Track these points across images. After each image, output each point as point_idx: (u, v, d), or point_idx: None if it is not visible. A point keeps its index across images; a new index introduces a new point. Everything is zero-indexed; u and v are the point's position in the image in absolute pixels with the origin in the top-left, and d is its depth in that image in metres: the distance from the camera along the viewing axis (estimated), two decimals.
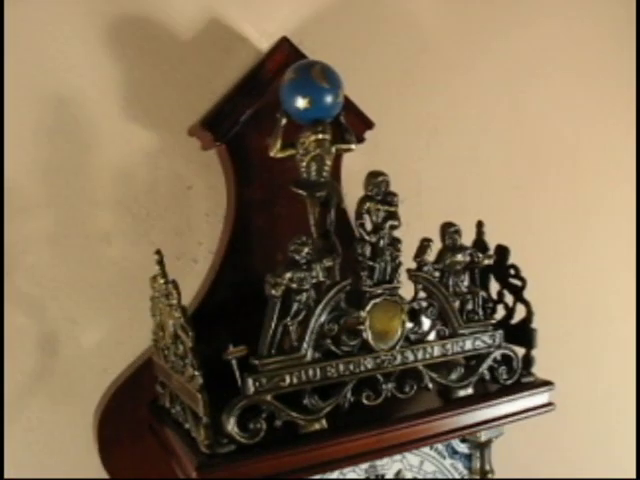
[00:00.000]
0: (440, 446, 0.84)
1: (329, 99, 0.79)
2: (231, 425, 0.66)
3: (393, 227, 0.74)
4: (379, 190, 0.73)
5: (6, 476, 0.85)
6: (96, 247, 0.89)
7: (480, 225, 0.85)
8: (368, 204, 0.73)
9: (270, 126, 0.87)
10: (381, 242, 0.73)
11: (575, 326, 1.26)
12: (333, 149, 0.83)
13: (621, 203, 1.34)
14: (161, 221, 0.92)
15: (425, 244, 0.76)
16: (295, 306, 0.69)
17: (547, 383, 0.83)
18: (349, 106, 0.91)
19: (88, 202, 0.89)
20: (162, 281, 0.72)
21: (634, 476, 1.36)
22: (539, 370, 0.83)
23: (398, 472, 0.81)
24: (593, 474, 1.28)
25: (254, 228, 0.92)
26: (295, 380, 0.69)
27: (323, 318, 0.70)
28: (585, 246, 1.28)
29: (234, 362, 0.67)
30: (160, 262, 0.73)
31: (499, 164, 1.19)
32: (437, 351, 0.76)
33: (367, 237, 0.73)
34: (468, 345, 0.78)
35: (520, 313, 0.85)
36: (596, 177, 1.28)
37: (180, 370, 0.71)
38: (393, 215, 0.73)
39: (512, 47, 1.16)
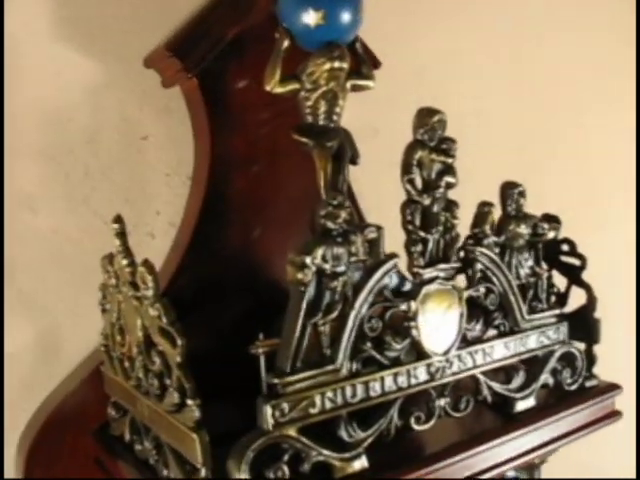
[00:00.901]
0: None
1: (348, 14, 0.58)
2: (243, 475, 0.44)
3: (450, 185, 0.54)
4: (434, 134, 0.53)
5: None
6: (14, 215, 0.64)
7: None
8: (420, 152, 0.52)
9: (256, 57, 0.66)
10: (435, 206, 0.53)
11: None
12: (348, 85, 0.62)
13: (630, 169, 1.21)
14: (105, 182, 0.68)
15: (486, 210, 0.57)
16: (327, 297, 0.48)
17: (614, 387, 0.66)
18: None
19: (5, 153, 0.63)
20: (125, 262, 0.49)
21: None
22: None
23: None
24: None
25: (232, 192, 0.70)
26: (328, 404, 0.48)
27: (364, 312, 0.49)
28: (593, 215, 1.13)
29: (262, 360, 0.45)
30: (121, 234, 0.50)
31: (503, 122, 1.01)
32: (499, 352, 0.58)
33: (419, 198, 0.52)
34: (532, 343, 0.60)
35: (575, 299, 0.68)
36: (604, 143, 1.14)
37: (155, 393, 0.48)
38: (450, 169, 0.54)
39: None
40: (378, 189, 0.78)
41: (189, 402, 0.43)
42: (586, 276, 0.67)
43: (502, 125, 1.00)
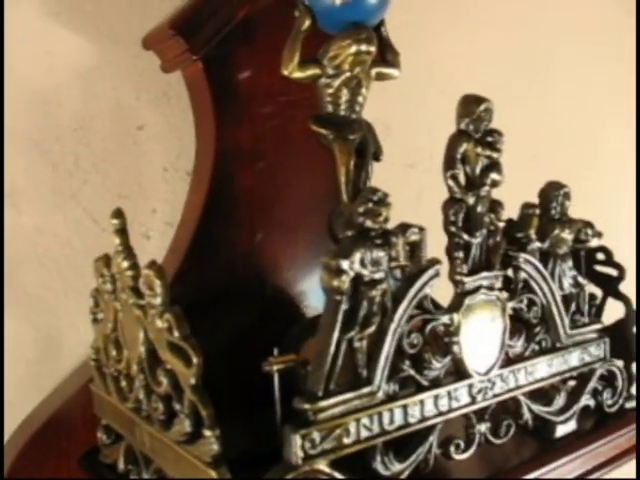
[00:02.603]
0: None
1: None
2: None
3: (495, 183, 0.48)
4: (479, 125, 0.47)
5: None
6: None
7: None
8: (465, 145, 0.46)
9: (266, 42, 0.60)
10: (479, 206, 0.47)
11: None
12: (373, 72, 0.56)
13: None
14: (97, 175, 0.60)
15: (530, 212, 0.51)
16: (365, 308, 0.41)
17: None
18: None
19: None
20: (126, 264, 0.42)
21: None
22: None
23: None
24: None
25: (237, 191, 0.63)
26: (364, 432, 0.41)
27: (403, 325, 0.43)
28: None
29: (276, 378, 0.38)
30: (121, 231, 0.43)
31: (515, 131, 0.96)
32: (541, 371, 0.52)
33: (463, 196, 0.46)
34: (574, 360, 0.55)
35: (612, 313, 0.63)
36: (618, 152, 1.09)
37: (159, 419, 0.41)
38: (496, 165, 0.48)
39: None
40: (391, 192, 0.72)
41: (207, 433, 0.36)
42: None
43: (515, 126, 0.95)
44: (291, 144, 0.64)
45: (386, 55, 0.57)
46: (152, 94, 0.63)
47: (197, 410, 0.37)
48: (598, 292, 0.63)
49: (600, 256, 0.63)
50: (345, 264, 0.40)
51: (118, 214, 0.42)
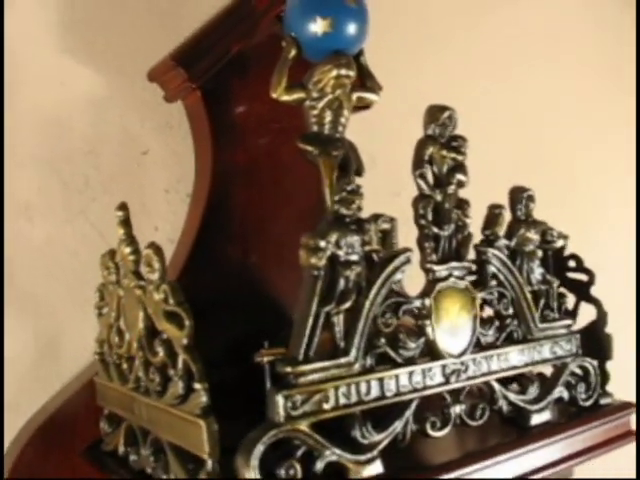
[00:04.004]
0: None
1: (355, 23, 0.59)
2: (252, 473, 0.40)
3: (461, 183, 0.53)
4: (444, 130, 0.53)
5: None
6: (11, 223, 0.61)
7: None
8: (430, 149, 0.52)
9: (258, 75, 0.67)
10: (447, 203, 0.52)
11: None
12: (354, 97, 0.62)
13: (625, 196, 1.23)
14: (104, 194, 0.66)
15: (497, 212, 0.56)
16: (341, 285, 0.46)
17: (629, 405, 0.64)
18: None
19: (4, 159, 0.61)
20: (129, 250, 0.47)
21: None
22: None
23: None
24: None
25: (232, 208, 0.69)
26: (342, 400, 0.45)
27: (378, 304, 0.47)
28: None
29: (267, 369, 0.42)
30: (125, 222, 0.48)
31: (498, 155, 1.02)
32: (514, 359, 0.55)
33: (431, 192, 0.51)
34: (546, 352, 0.58)
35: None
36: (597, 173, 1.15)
37: (156, 390, 0.45)
38: (461, 166, 0.53)
39: (514, 28, 1.03)
40: None
41: (197, 386, 0.40)
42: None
43: (498, 157, 1.01)
44: (282, 166, 0.70)
45: (365, 82, 0.64)
46: (156, 122, 0.70)
47: (189, 371, 0.41)
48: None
49: (572, 263, 0.67)
50: (322, 243, 0.45)
51: (123, 207, 0.48)
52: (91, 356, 0.59)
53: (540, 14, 1.11)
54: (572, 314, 0.66)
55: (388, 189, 0.88)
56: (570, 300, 0.67)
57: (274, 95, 0.59)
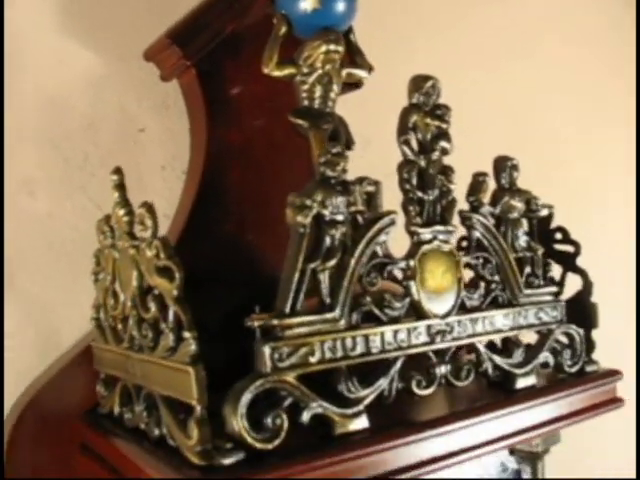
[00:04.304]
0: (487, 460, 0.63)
1: (344, 1, 0.61)
2: (239, 420, 0.42)
3: (445, 151, 0.55)
4: (428, 99, 0.54)
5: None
6: (13, 197, 0.63)
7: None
8: (415, 117, 0.54)
9: (252, 55, 0.68)
10: (431, 168, 0.54)
11: None
12: (343, 73, 0.64)
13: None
14: (103, 169, 0.68)
15: (481, 179, 0.58)
16: (327, 243, 0.47)
17: (614, 372, 0.65)
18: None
19: (6, 136, 0.63)
20: (123, 211, 0.49)
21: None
22: None
23: None
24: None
25: (227, 184, 0.70)
26: (328, 354, 0.47)
27: (363, 263, 0.49)
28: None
29: (258, 333, 0.44)
30: (120, 186, 0.50)
31: (494, 133, 1.04)
32: (499, 322, 0.57)
33: (415, 158, 0.53)
34: (531, 317, 0.60)
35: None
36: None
37: (149, 346, 0.47)
38: (445, 134, 0.55)
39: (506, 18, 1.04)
40: None
41: (186, 335, 0.42)
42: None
43: (493, 135, 1.03)
44: (275, 144, 0.72)
45: (355, 58, 0.66)
46: (152, 102, 0.72)
47: (179, 323, 0.43)
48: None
49: (558, 235, 0.69)
50: (307, 201, 0.46)
51: (117, 171, 0.50)
52: (89, 325, 0.61)
53: (539, 10, 1.13)
54: (559, 285, 0.68)
55: (382, 170, 0.90)
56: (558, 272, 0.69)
57: (266, 70, 0.61)
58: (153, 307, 0.46)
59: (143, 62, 0.69)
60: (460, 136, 0.59)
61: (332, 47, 0.60)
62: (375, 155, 0.83)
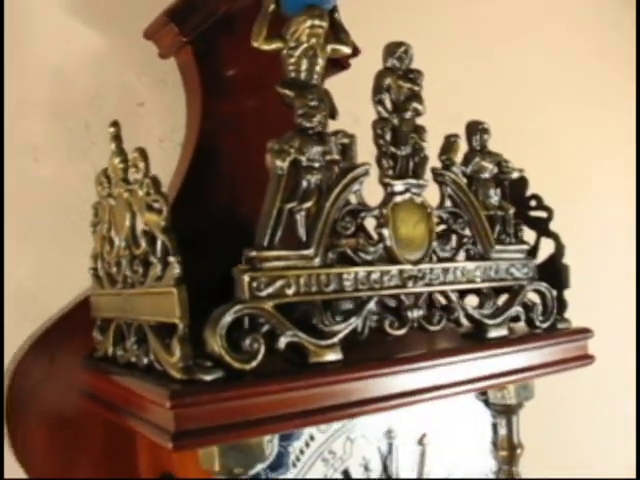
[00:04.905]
0: (462, 411, 0.66)
1: None
2: (219, 341, 0.46)
3: (417, 112, 0.59)
4: (401, 63, 0.59)
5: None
6: (18, 161, 0.68)
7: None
8: (388, 79, 0.58)
9: (246, 35, 0.72)
10: (404, 127, 0.58)
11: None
12: (328, 48, 0.68)
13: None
14: (103, 139, 0.72)
15: (452, 140, 0.62)
16: (304, 184, 0.52)
17: (585, 330, 0.69)
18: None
19: (13, 105, 0.68)
20: (118, 160, 0.53)
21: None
22: None
23: (422, 436, 0.62)
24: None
25: (220, 153, 0.75)
26: (303, 288, 0.50)
27: (337, 210, 0.53)
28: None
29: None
30: (116, 137, 0.54)
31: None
32: (470, 274, 0.61)
33: (388, 116, 0.57)
34: (502, 272, 0.63)
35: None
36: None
37: (140, 281, 0.51)
38: (417, 96, 0.59)
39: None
40: None
41: (171, 259, 0.46)
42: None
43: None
44: (266, 116, 0.76)
45: (339, 35, 0.70)
46: (151, 78, 0.76)
47: (166, 252, 0.47)
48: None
49: (533, 203, 0.73)
50: (286, 146, 0.51)
51: (114, 124, 0.54)
52: (89, 284, 0.66)
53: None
54: (533, 249, 0.72)
55: (372, 149, 0.94)
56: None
57: (255, 44, 0.66)
58: (143, 243, 0.50)
59: (143, 41, 0.74)
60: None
61: (317, 22, 0.65)
62: (364, 134, 0.87)
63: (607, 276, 1.25)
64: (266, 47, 0.66)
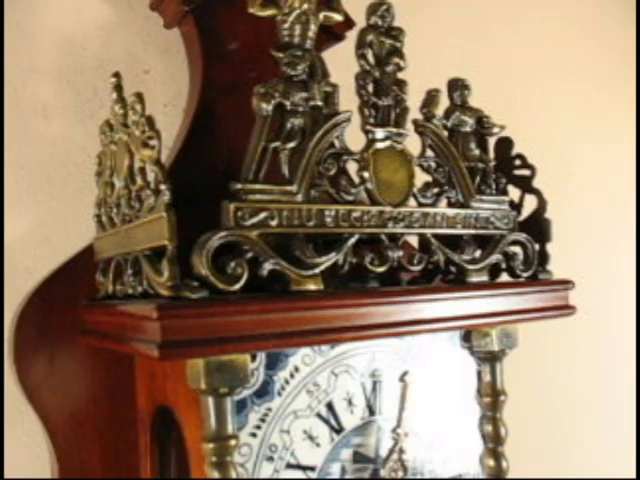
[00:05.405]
0: (445, 356, 0.69)
1: None
2: (205, 263, 0.50)
3: (398, 66, 0.63)
4: (383, 21, 0.63)
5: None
6: (29, 121, 0.73)
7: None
8: (371, 35, 0.62)
9: (243, 7, 0.77)
10: (385, 79, 0.62)
11: None
12: (320, 15, 0.72)
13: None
14: (110, 102, 0.77)
15: (433, 94, 0.66)
16: (288, 126, 0.56)
17: (566, 281, 0.71)
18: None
19: (26, 68, 0.73)
20: (118, 106, 0.58)
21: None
22: None
23: (404, 374, 0.65)
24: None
25: (220, 113, 0.79)
26: (286, 220, 0.54)
27: (319, 152, 0.57)
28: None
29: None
30: (118, 87, 0.59)
31: None
32: (451, 220, 0.64)
33: (370, 69, 0.61)
34: (483, 221, 0.66)
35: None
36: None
37: (136, 215, 0.55)
38: (399, 52, 0.63)
39: None
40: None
41: (162, 187, 0.50)
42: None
43: None
44: (262, 80, 0.81)
45: (331, 3, 0.74)
46: (157, 47, 0.81)
47: (157, 176, 0.51)
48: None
49: (517, 162, 0.76)
50: (271, 90, 0.55)
51: (116, 75, 0.59)
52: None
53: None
54: (518, 206, 0.75)
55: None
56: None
57: (251, 10, 0.69)
58: (139, 179, 0.54)
59: (149, 12, 0.80)
60: None
61: None
62: None
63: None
64: (261, 13, 0.70)
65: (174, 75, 0.82)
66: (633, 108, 1.36)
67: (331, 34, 0.85)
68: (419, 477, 0.66)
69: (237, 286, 0.51)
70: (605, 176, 1.30)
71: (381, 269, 0.59)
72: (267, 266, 0.53)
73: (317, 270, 0.55)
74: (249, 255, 0.52)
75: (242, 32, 0.80)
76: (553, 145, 1.16)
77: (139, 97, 0.54)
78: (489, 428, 0.71)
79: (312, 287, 0.55)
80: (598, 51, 1.32)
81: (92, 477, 0.71)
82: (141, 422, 0.69)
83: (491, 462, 0.71)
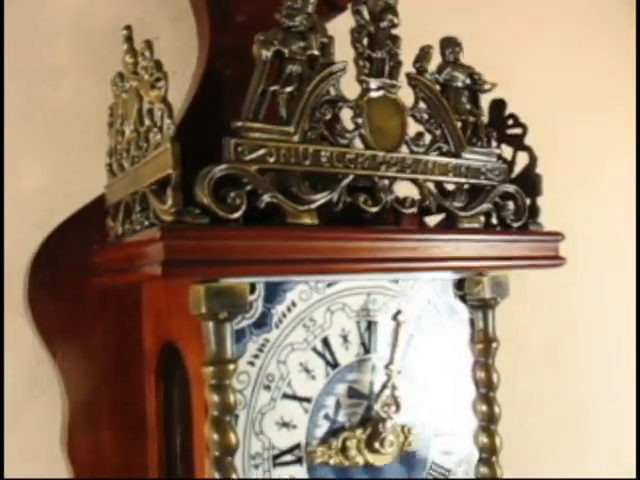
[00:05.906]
0: (439, 302, 0.72)
1: None
2: (206, 192, 0.54)
3: (392, 23, 0.66)
4: None
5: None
6: (45, 82, 0.78)
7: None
8: None
9: None
10: (379, 34, 0.65)
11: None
12: None
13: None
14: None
15: (425, 50, 0.69)
16: (286, 72, 0.59)
17: (557, 233, 0.74)
18: None
19: (43, 33, 0.78)
20: (129, 56, 0.62)
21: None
22: None
23: (397, 313, 0.68)
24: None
25: (226, 77, 0.82)
26: (283, 158, 0.58)
27: (316, 98, 0.60)
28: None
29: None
30: (128, 38, 0.63)
31: None
32: (442, 168, 0.67)
33: (365, 23, 0.65)
34: (474, 171, 0.70)
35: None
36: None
37: (144, 155, 0.59)
38: (393, 9, 0.66)
39: None
40: None
41: (167, 122, 0.54)
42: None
43: None
44: None
45: None
46: (168, 15, 0.86)
47: (163, 114, 0.55)
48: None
49: (510, 122, 0.79)
50: (270, 37, 0.59)
51: (127, 27, 0.63)
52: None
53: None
54: (510, 163, 0.78)
55: None
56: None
57: None
58: (147, 120, 0.58)
59: None
60: None
61: None
62: None
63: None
64: None
65: (183, 41, 0.86)
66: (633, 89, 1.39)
67: (333, 5, 0.89)
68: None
69: (236, 215, 0.55)
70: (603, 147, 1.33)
71: (374, 209, 0.63)
72: (265, 198, 0.57)
73: (313, 206, 0.59)
74: (248, 188, 0.56)
75: (249, 1, 0.84)
76: (553, 128, 1.18)
77: (148, 44, 0.58)
78: (482, 374, 0.74)
79: (307, 221, 0.59)
80: (598, 34, 1.34)
81: (99, 418, 0.75)
82: (148, 362, 0.73)
83: (484, 407, 0.74)
